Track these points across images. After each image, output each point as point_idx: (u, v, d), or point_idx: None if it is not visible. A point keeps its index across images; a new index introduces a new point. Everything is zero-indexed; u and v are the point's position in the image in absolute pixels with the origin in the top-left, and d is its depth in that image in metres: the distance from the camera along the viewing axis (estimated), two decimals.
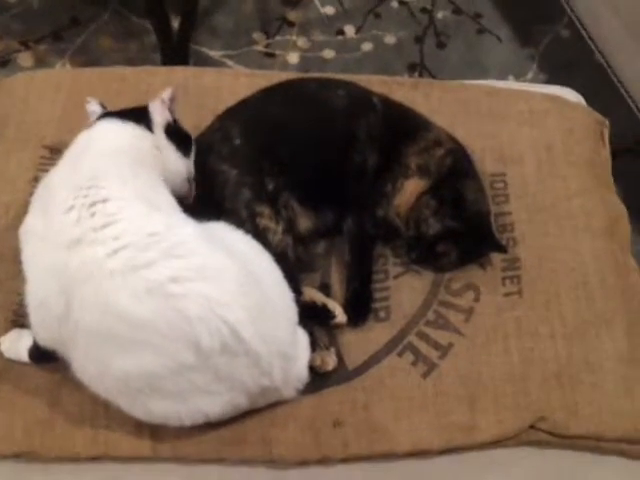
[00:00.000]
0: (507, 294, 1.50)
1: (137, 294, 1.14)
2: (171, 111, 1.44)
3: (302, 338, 1.35)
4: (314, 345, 1.39)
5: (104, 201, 1.21)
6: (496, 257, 1.53)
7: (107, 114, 1.44)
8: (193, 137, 1.50)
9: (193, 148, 1.47)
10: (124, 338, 1.17)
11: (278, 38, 2.77)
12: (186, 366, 1.18)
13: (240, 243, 1.32)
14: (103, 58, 2.63)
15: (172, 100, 1.44)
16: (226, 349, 1.17)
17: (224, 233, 1.31)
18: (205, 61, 2.66)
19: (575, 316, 1.48)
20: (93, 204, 1.20)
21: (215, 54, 2.70)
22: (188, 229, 1.23)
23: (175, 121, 1.44)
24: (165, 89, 1.44)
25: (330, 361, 1.40)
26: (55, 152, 1.54)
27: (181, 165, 1.42)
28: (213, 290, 1.16)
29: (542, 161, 1.67)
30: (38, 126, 1.63)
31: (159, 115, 1.41)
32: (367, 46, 2.79)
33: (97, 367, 1.22)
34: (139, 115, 1.41)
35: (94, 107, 1.46)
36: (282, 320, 1.29)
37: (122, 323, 1.15)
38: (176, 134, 1.42)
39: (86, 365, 1.23)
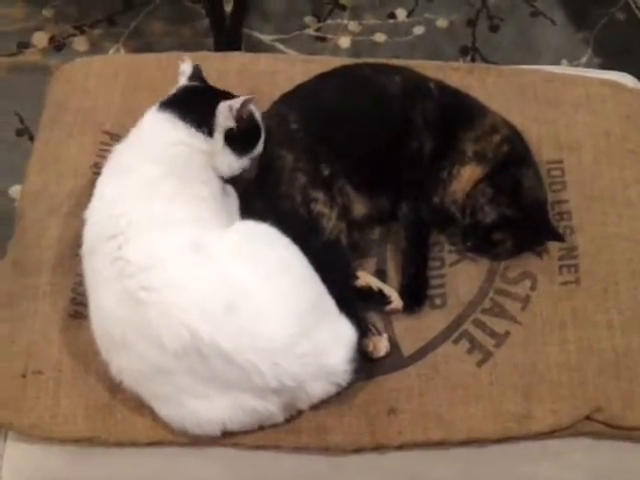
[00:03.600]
0: (564, 283, 1.48)
1: (118, 299, 1.26)
2: (242, 114, 1.41)
3: (339, 333, 1.33)
4: (366, 331, 1.39)
5: (119, 216, 1.29)
6: (553, 245, 1.51)
7: (177, 99, 1.44)
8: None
9: (261, 140, 1.47)
10: (115, 337, 1.27)
11: (329, 22, 2.76)
12: (161, 368, 1.25)
13: (249, 241, 1.34)
14: (156, 43, 2.65)
15: (244, 106, 1.41)
16: (190, 351, 1.22)
17: (237, 235, 1.34)
18: (256, 45, 2.66)
19: (633, 306, 1.47)
20: (110, 217, 1.31)
21: (266, 38, 2.70)
22: (182, 241, 1.28)
23: (244, 123, 1.42)
24: (244, 96, 1.42)
25: (382, 347, 1.40)
26: (115, 137, 1.55)
27: (236, 165, 1.44)
28: (176, 296, 1.23)
29: (599, 148, 1.64)
30: (97, 111, 1.65)
31: (223, 119, 1.39)
32: (419, 30, 2.76)
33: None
34: (203, 114, 1.40)
35: (186, 68, 1.47)
36: (274, 317, 1.26)
37: (111, 323, 1.28)
38: (236, 138, 1.42)
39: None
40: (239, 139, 1.42)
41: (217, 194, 1.41)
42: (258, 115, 1.47)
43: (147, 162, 1.36)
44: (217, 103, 1.40)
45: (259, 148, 1.47)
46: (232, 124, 1.40)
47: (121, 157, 1.40)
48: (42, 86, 1.79)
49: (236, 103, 1.39)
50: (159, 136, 1.39)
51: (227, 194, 1.46)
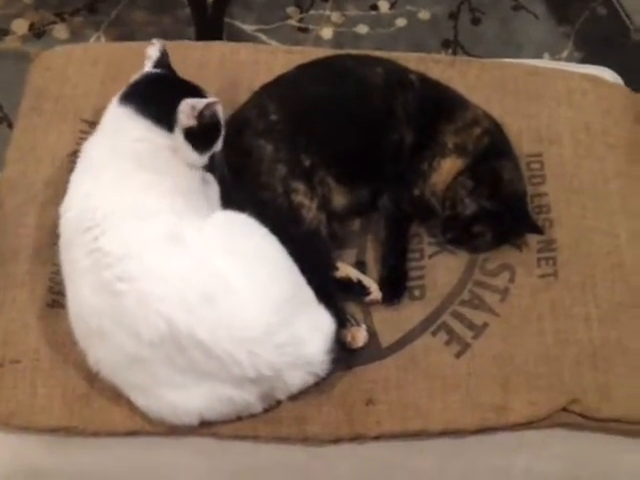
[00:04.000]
0: (542, 275, 1.49)
1: (95, 289, 1.26)
2: (204, 115, 1.36)
3: (317, 323, 1.33)
4: (344, 321, 1.40)
5: (95, 209, 1.29)
6: (532, 238, 1.52)
7: (138, 90, 1.41)
8: (229, 113, 1.48)
9: (221, 137, 1.43)
10: (92, 328, 1.27)
11: (312, 12, 2.75)
12: (138, 358, 1.25)
13: (226, 231, 1.34)
14: (137, 31, 2.63)
15: (207, 109, 1.35)
16: (167, 341, 1.22)
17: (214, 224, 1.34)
18: (238, 35, 2.65)
19: (610, 299, 1.48)
20: (86, 210, 1.30)
21: (248, 28, 2.69)
22: (157, 231, 1.28)
23: (203, 123, 1.37)
24: (207, 99, 1.36)
25: (360, 337, 1.41)
26: (94, 126, 1.53)
27: (199, 161, 1.40)
28: (152, 286, 1.23)
29: (579, 142, 1.66)
30: (77, 100, 1.64)
31: (185, 117, 1.34)
32: (401, 22, 2.76)
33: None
34: (163, 110, 1.35)
35: (153, 52, 1.44)
36: (252, 307, 1.26)
37: (89, 314, 1.28)
38: (196, 135, 1.37)
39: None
40: (199, 136, 1.37)
41: (193, 184, 1.40)
42: (220, 113, 1.42)
43: (117, 158, 1.34)
44: (179, 98, 1.34)
45: (219, 145, 1.43)
46: (193, 123, 1.35)
47: (92, 152, 1.38)
48: (21, 73, 1.77)
49: (199, 104, 1.34)
50: (122, 132, 1.36)
51: (207, 182, 1.45)
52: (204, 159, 1.40)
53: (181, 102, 1.34)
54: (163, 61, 1.44)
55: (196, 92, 1.40)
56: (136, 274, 1.24)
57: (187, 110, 1.34)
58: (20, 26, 2.63)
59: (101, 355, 1.29)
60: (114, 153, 1.35)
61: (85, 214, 1.29)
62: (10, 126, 2.36)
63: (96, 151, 1.38)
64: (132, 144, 1.35)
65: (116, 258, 1.24)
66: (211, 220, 1.34)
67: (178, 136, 1.35)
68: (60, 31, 2.63)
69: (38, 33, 2.61)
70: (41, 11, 2.66)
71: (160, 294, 1.23)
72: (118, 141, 1.36)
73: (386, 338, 1.43)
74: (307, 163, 1.48)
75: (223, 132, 1.43)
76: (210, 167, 1.43)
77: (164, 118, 1.35)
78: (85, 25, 2.64)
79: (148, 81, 1.42)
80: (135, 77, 1.43)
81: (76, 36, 2.61)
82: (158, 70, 1.43)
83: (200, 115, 1.34)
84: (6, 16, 2.64)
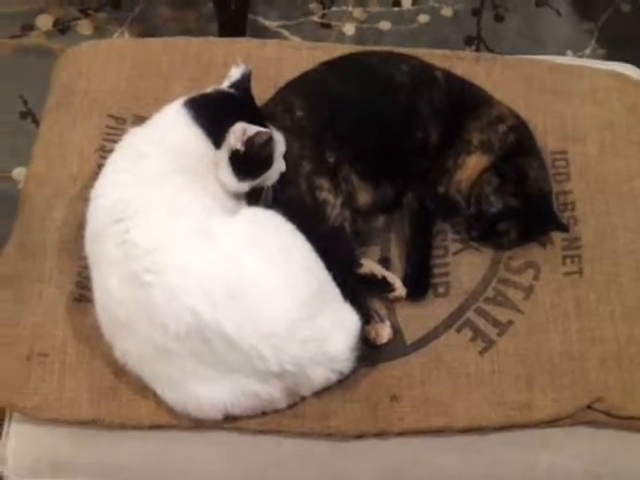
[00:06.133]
0: (567, 273, 1.49)
1: (123, 281, 1.27)
2: (255, 142, 1.36)
3: (342, 320, 1.34)
4: (369, 318, 1.40)
5: (129, 201, 1.30)
6: (557, 236, 1.52)
7: (204, 101, 1.42)
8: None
9: (268, 173, 1.43)
10: (119, 319, 1.28)
11: (334, 9, 2.75)
12: (164, 350, 1.26)
13: (252, 227, 1.35)
14: (161, 27, 2.64)
15: (258, 136, 1.36)
16: (193, 333, 1.23)
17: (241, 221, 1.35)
18: (261, 31, 2.66)
19: (635, 297, 1.47)
20: (120, 200, 1.31)
21: (271, 24, 2.70)
22: (187, 226, 1.29)
23: (249, 150, 1.37)
24: (262, 128, 1.36)
25: (384, 334, 1.41)
26: (121, 121, 1.56)
27: (235, 186, 1.40)
28: (179, 279, 1.24)
29: (604, 140, 1.65)
30: (103, 95, 1.64)
31: (234, 139, 1.35)
32: (424, 18, 2.75)
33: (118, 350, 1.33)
34: (217, 125, 1.37)
35: (235, 73, 1.45)
36: (277, 302, 1.27)
37: (116, 305, 1.28)
38: (241, 160, 1.38)
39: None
40: (243, 162, 1.38)
41: (227, 191, 1.41)
42: (279, 149, 1.43)
43: (162, 153, 1.35)
44: (237, 119, 1.36)
45: (264, 179, 1.43)
46: (240, 147, 1.36)
47: (137, 141, 1.40)
48: (46, 69, 1.79)
49: (250, 130, 1.35)
50: (175, 131, 1.38)
51: None
52: (242, 186, 1.41)
53: (236, 124, 1.35)
54: (242, 83, 1.45)
55: (259, 121, 1.40)
56: (164, 267, 1.25)
57: (238, 133, 1.35)
58: (44, 22, 2.64)
59: (128, 347, 1.30)
60: (158, 150, 1.36)
61: (118, 204, 1.30)
62: (35, 121, 2.37)
63: (140, 144, 1.39)
64: (182, 144, 1.36)
65: (145, 250, 1.26)
66: (239, 217, 1.35)
67: (223, 155, 1.37)
68: (84, 27, 2.64)
69: (62, 29, 2.63)
70: (65, 7, 2.68)
71: (187, 287, 1.24)
72: (166, 139, 1.37)
73: (410, 335, 1.43)
74: (332, 160, 1.49)
75: (274, 170, 1.43)
76: (253, 198, 1.44)
77: (215, 133, 1.37)
78: (109, 21, 2.66)
79: (217, 96, 1.44)
80: (207, 90, 1.45)
81: (100, 32, 2.63)
82: (232, 90, 1.44)
83: (249, 142, 1.35)
84: (30, 12, 2.66)
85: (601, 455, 1.41)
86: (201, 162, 1.37)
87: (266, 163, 1.41)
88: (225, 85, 1.45)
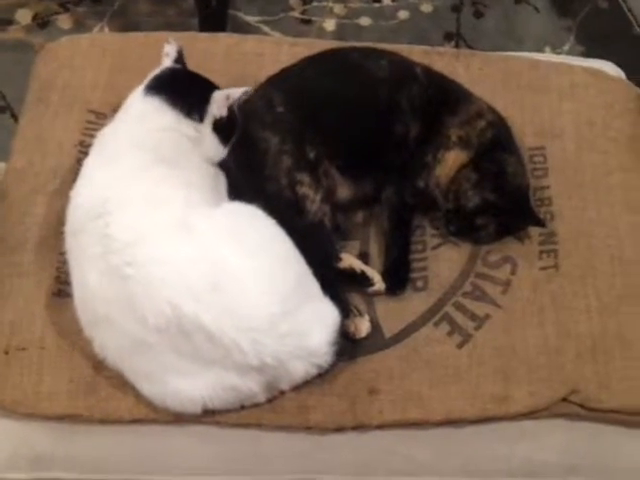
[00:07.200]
0: (544, 268, 1.50)
1: (102, 274, 1.27)
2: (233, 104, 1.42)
3: (321, 315, 1.34)
4: (348, 312, 1.41)
5: (108, 197, 1.30)
6: (534, 231, 1.53)
7: (165, 82, 1.43)
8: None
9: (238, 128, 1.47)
10: (98, 313, 1.28)
11: (315, 4, 2.77)
12: (143, 343, 1.26)
13: (230, 221, 1.35)
14: (141, 22, 2.64)
15: (241, 98, 1.42)
16: (173, 327, 1.23)
17: (222, 214, 1.36)
18: (241, 26, 2.66)
19: (610, 291, 1.49)
20: (98, 197, 1.31)
21: (251, 19, 2.70)
22: (167, 219, 1.29)
23: (230, 113, 1.42)
24: (241, 88, 1.42)
25: (363, 328, 1.42)
26: (101, 116, 1.56)
27: (220, 152, 1.44)
28: (159, 272, 1.24)
29: (582, 136, 1.67)
30: (84, 90, 1.64)
31: (217, 108, 1.39)
32: (403, 14, 2.77)
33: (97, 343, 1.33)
34: (195, 101, 1.40)
35: (171, 50, 1.46)
36: (256, 296, 1.28)
37: (95, 299, 1.28)
38: (223, 127, 1.42)
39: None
40: (225, 128, 1.41)
41: (206, 178, 1.42)
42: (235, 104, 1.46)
43: (135, 148, 1.36)
44: (207, 90, 1.39)
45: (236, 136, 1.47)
46: (224, 113, 1.39)
47: (108, 141, 1.40)
48: (25, 63, 1.79)
49: (235, 93, 1.39)
50: (146, 121, 1.39)
51: (216, 175, 1.46)
52: (225, 152, 1.43)
53: (214, 92, 1.37)
54: (180, 58, 1.47)
55: (214, 86, 1.43)
56: (144, 259, 1.25)
57: (220, 100, 1.37)
58: (24, 16, 2.63)
59: (107, 341, 1.30)
60: (133, 143, 1.36)
61: (97, 201, 1.30)
62: (13, 116, 2.37)
63: (113, 140, 1.39)
64: (155, 134, 1.37)
65: (125, 243, 1.26)
66: (219, 210, 1.36)
67: (206, 127, 1.38)
68: (64, 21, 2.63)
69: (42, 23, 2.62)
70: (45, 1, 2.67)
71: (167, 280, 1.24)
72: (139, 131, 1.38)
73: (389, 328, 1.44)
74: (312, 155, 1.49)
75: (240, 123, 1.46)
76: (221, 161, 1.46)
77: (195, 108, 1.38)
78: (89, 15, 2.65)
79: (173, 75, 1.45)
80: (156, 72, 1.45)
81: (80, 26, 2.62)
82: (178, 66, 1.46)
83: (231, 105, 1.38)
84: (10, 6, 2.65)
85: (577, 448, 1.43)
86: (179, 146, 1.38)
87: (236, 117, 1.44)
88: (167, 62, 1.46)
